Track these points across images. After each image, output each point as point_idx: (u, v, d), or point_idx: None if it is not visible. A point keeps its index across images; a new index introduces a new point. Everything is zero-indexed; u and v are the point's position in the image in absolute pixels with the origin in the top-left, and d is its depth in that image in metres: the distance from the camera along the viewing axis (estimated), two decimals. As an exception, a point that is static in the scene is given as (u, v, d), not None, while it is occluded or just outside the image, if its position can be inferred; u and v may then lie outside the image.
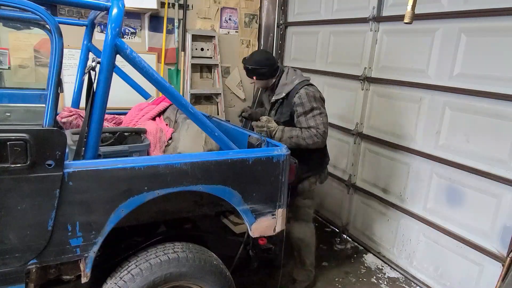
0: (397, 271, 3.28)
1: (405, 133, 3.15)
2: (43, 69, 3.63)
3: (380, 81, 3.33)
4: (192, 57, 4.36)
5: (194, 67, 4.46)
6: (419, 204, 3.08)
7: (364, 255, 3.54)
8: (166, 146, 2.49)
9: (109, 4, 1.68)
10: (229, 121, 2.86)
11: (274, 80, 2.63)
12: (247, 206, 2.01)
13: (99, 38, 3.70)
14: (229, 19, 4.59)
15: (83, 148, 1.73)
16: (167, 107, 2.82)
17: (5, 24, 3.39)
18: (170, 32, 4.22)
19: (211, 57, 4.53)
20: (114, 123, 2.87)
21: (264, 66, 2.55)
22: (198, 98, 4.59)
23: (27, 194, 1.50)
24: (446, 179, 2.85)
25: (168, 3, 4.12)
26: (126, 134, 2.36)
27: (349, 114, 3.68)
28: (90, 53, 2.80)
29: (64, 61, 2.07)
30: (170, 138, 2.53)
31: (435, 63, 2.86)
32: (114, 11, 1.66)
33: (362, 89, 3.47)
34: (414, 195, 3.12)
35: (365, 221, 3.64)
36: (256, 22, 4.77)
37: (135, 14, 3.97)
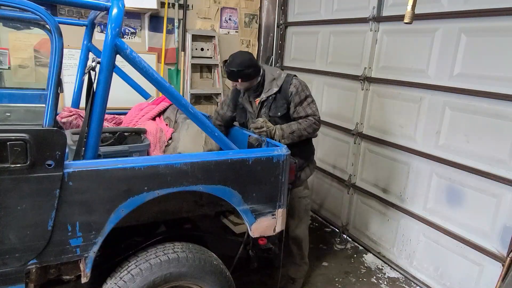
0: (397, 271, 3.28)
1: (405, 133, 3.15)
2: (43, 69, 3.63)
3: (380, 81, 3.33)
4: (192, 57, 4.36)
5: (194, 67, 4.46)
6: (419, 204, 3.08)
7: (364, 255, 3.54)
8: (166, 146, 2.49)
9: (109, 4, 1.68)
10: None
11: (259, 79, 2.53)
12: (247, 206, 2.01)
13: (99, 38, 3.70)
14: (229, 19, 4.59)
15: (83, 148, 1.73)
16: (167, 107, 2.82)
17: (5, 24, 3.39)
18: (170, 32, 4.22)
19: (211, 57, 4.53)
20: (114, 123, 2.87)
21: (249, 66, 2.44)
22: (198, 98, 4.59)
23: (27, 194, 1.50)
24: (446, 179, 2.85)
25: (168, 3, 4.12)
26: (126, 134, 2.36)
27: (349, 114, 3.68)
28: (90, 53, 2.80)
29: (64, 61, 2.08)
30: (170, 138, 2.53)
31: (435, 63, 2.86)
32: (114, 11, 1.66)
33: (362, 89, 3.47)
34: (414, 195, 3.12)
35: (365, 221, 3.64)
36: (256, 22, 4.77)
37: (135, 14, 3.97)
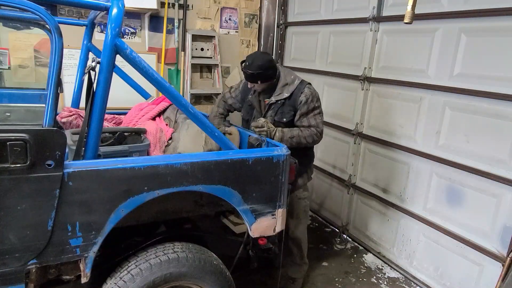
0: (397, 271, 3.28)
1: (405, 133, 3.15)
2: (43, 69, 3.63)
3: (380, 81, 3.33)
4: (192, 57, 4.36)
5: (194, 67, 4.46)
6: (419, 204, 3.08)
7: (364, 255, 3.54)
8: (166, 146, 2.49)
9: (109, 4, 1.68)
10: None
11: (274, 80, 2.55)
12: (247, 206, 2.01)
13: (99, 38, 3.70)
14: (229, 19, 4.59)
15: (83, 148, 1.73)
16: (167, 107, 2.82)
17: (5, 24, 3.39)
18: (170, 32, 4.22)
19: (211, 57, 4.53)
20: (114, 123, 2.87)
21: (269, 68, 2.44)
22: (198, 98, 4.59)
23: (27, 194, 1.50)
24: (446, 179, 2.85)
25: (168, 3, 4.12)
26: (126, 134, 2.36)
27: (349, 114, 3.68)
28: (90, 53, 2.80)
29: (64, 61, 2.08)
30: (170, 138, 2.53)
31: (435, 63, 2.86)
32: (114, 11, 1.66)
33: (362, 89, 3.47)
34: (414, 195, 3.12)
35: (365, 221, 3.64)
36: (256, 22, 4.77)
37: (135, 14, 3.97)
